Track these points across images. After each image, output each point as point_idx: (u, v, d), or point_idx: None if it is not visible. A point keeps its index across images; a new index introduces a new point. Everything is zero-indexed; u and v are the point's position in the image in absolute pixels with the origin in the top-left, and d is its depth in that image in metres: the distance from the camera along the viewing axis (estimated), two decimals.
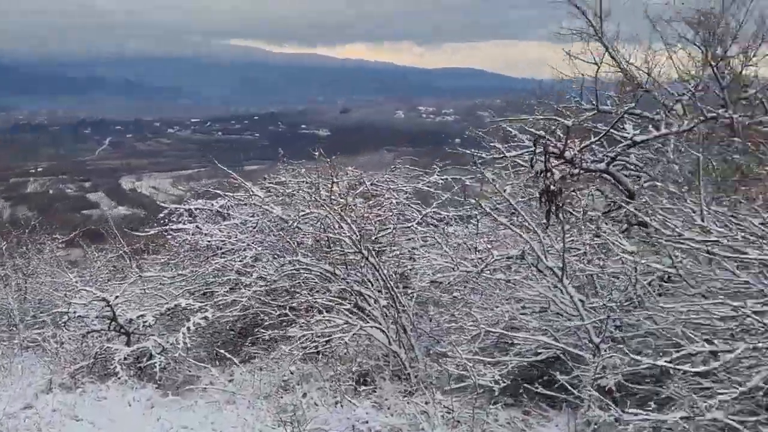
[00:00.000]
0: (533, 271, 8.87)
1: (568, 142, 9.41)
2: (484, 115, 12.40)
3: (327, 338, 9.72)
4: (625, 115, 10.40)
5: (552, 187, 8.05)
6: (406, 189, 13.17)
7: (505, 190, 9.14)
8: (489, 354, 9.02)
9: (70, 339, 12.01)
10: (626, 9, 12.27)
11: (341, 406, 9.25)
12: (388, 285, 9.89)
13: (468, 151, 10.77)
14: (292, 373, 9.91)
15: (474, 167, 9.43)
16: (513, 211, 9.24)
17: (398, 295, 9.90)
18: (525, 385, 8.37)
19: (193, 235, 13.01)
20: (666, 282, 8.33)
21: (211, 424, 9.37)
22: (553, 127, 10.67)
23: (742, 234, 7.14)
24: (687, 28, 11.87)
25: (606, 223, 9.24)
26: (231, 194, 13.40)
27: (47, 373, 11.22)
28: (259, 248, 12.04)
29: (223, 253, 12.75)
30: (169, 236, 13.69)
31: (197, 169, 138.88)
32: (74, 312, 11.41)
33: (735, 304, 6.42)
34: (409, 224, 11.94)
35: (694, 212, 7.59)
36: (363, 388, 9.72)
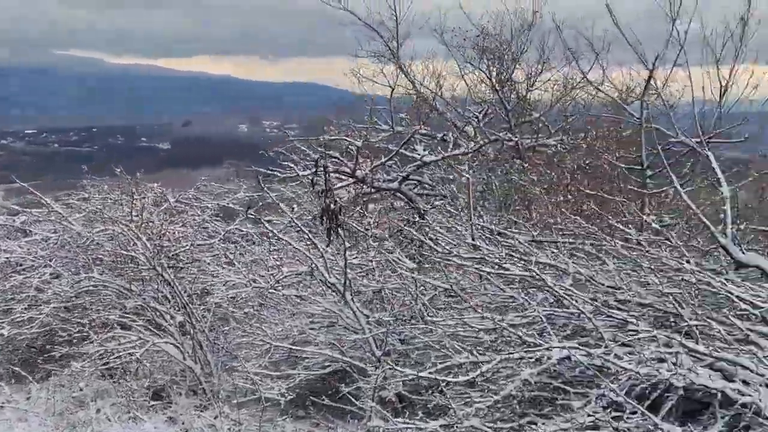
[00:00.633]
0: (322, 287, 9.00)
1: (360, 161, 9.58)
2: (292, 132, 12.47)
3: (119, 354, 9.57)
4: (418, 136, 10.72)
5: (332, 206, 8.17)
6: (210, 206, 13.03)
7: (293, 209, 9.23)
8: (279, 368, 9.07)
9: None
10: (423, 32, 12.69)
11: (134, 421, 9.13)
12: (183, 301, 9.74)
13: (261, 169, 10.79)
14: (81, 390, 9.67)
15: (264, 184, 9.44)
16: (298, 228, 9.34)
17: (193, 311, 9.76)
18: (311, 397, 8.44)
19: None
20: (450, 297, 8.66)
21: None
22: (348, 147, 10.88)
23: (507, 251, 7.47)
24: (474, 53, 12.36)
25: (395, 240, 9.51)
26: (29, 210, 12.86)
27: None
28: (58, 265, 11.61)
29: (23, 269, 12.27)
30: None
31: (31, 182, 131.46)
32: None
33: (493, 317, 6.71)
34: (211, 241, 11.82)
35: (465, 231, 7.90)
36: (156, 403, 9.60)
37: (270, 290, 8.92)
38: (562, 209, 8.12)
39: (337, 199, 8.30)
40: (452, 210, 8.82)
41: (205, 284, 10.93)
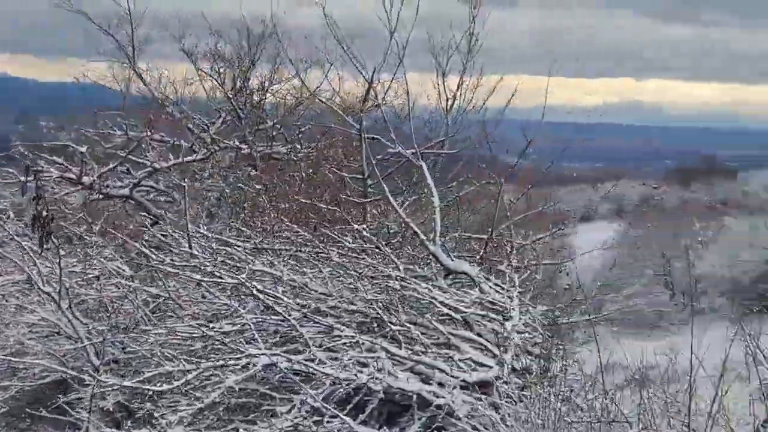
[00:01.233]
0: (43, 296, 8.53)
1: (87, 167, 9.10)
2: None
3: None
4: (155, 143, 10.35)
5: (44, 213, 7.68)
6: None
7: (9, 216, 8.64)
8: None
9: None
10: (163, 37, 12.30)
11: None
12: None
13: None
14: None
15: None
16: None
17: None
18: (27, 409, 7.93)
19: None
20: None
21: None
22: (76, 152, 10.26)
23: (223, 259, 7.33)
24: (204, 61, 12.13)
25: (119, 247, 9.10)
26: None
27: None
28: None
29: None
30: None
31: None
32: None
33: (200, 325, 6.54)
34: None
35: (182, 238, 7.67)
36: None
37: None
38: (282, 217, 8.12)
39: (49, 206, 7.81)
40: (172, 217, 8.56)
41: None
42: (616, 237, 45.58)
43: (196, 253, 7.30)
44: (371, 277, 7.08)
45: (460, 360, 6.46)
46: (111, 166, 9.65)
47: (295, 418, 5.77)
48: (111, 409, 7.76)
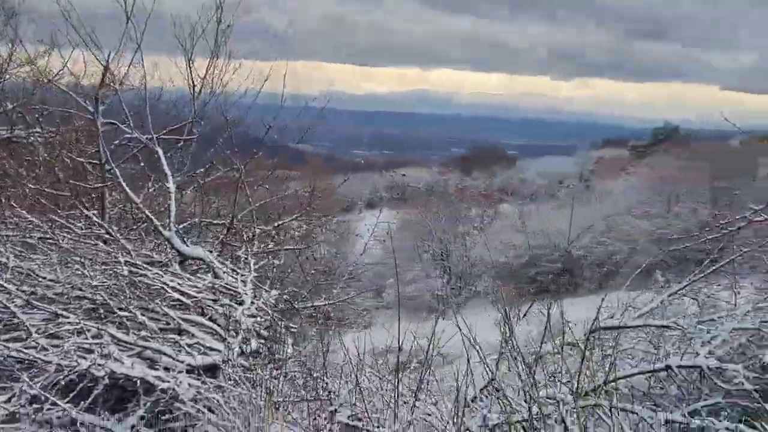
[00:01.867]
0: None
1: None
2: None
3: None
4: None
5: None
6: None
7: None
8: None
9: None
10: None
11: None
12: None
13: None
14: None
15: None
16: None
17: None
18: None
19: None
20: None
21: None
22: None
23: None
24: None
25: None
26: None
27: None
28: None
29: None
30: None
31: None
32: None
33: None
34: None
35: None
36: None
37: None
38: (12, 203, 7.92)
39: None
40: None
41: None
42: (398, 223, 47.47)
43: None
44: (103, 263, 7.11)
45: (188, 345, 6.66)
46: None
47: (13, 406, 5.73)
48: None
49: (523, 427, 5.25)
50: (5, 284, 6.62)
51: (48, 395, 5.71)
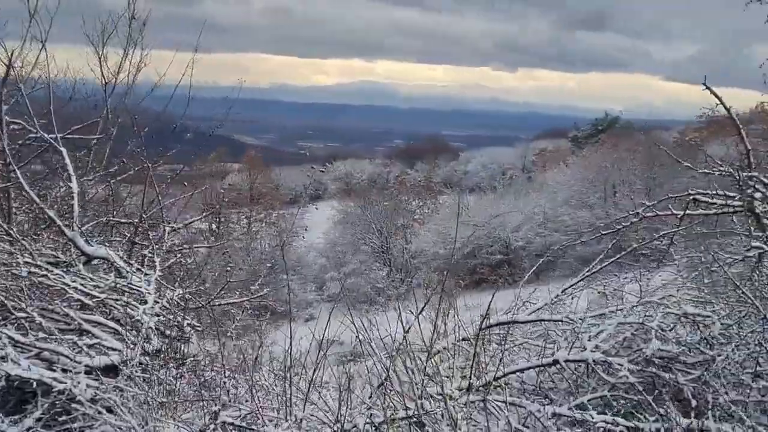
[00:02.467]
0: None
1: None
2: None
3: None
4: None
5: None
6: None
7: None
8: None
9: None
10: None
11: None
12: None
13: None
14: None
15: None
16: None
17: None
18: None
19: None
20: None
21: None
22: None
23: None
24: None
25: None
26: None
27: None
28: None
29: None
30: None
31: None
32: None
33: None
34: None
35: None
36: None
37: None
38: None
39: None
40: None
41: None
42: (339, 216, 47.52)
43: None
44: (3, 264, 7.03)
45: (89, 345, 6.63)
46: None
47: None
48: None
49: (412, 424, 5.36)
50: None
51: None
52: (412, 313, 6.29)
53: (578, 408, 5.60)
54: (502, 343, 6.13)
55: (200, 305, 7.81)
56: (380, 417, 5.26)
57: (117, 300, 7.03)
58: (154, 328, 6.89)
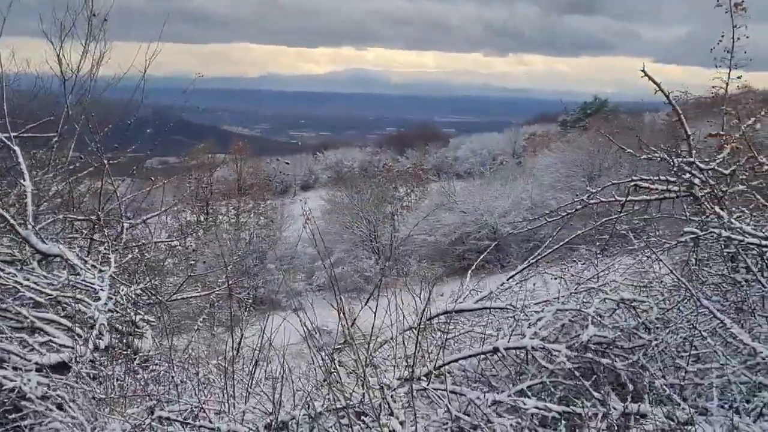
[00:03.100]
0: None
1: None
2: None
3: None
4: None
5: None
6: None
7: None
8: None
9: None
10: None
11: None
12: None
13: None
14: None
15: None
16: None
17: None
18: None
19: None
20: None
21: None
22: None
23: None
24: None
25: None
26: None
27: None
28: None
29: None
30: None
31: None
32: None
33: None
34: None
35: None
36: None
37: None
38: None
39: None
40: None
41: None
42: (327, 205, 47.53)
43: None
44: None
45: (41, 343, 6.68)
46: None
47: None
48: None
49: (351, 414, 5.41)
50: None
51: None
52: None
53: (518, 394, 5.66)
54: (445, 332, 6.19)
55: (158, 300, 7.84)
56: (318, 408, 5.32)
57: (69, 297, 7.06)
58: (106, 324, 6.93)
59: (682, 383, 5.42)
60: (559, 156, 47.02)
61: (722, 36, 7.32)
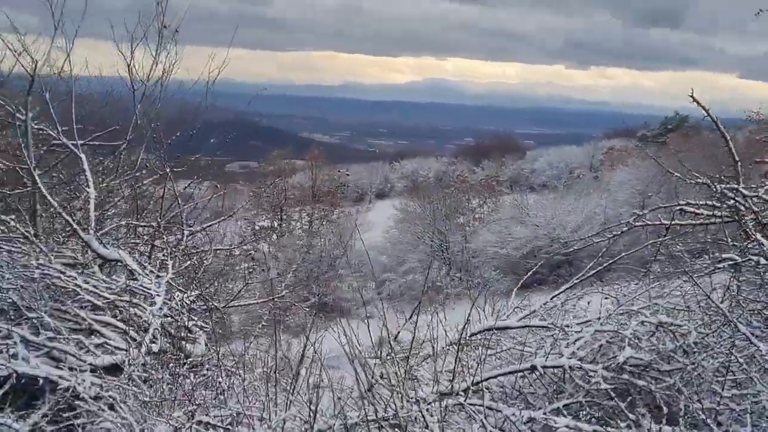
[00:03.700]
0: None
1: None
2: None
3: None
4: None
5: None
6: None
7: None
8: None
9: None
10: None
11: None
12: None
13: None
14: None
15: None
16: None
17: None
18: None
19: None
20: None
21: None
22: None
23: None
24: None
25: None
26: None
27: None
28: None
29: None
30: None
31: None
32: None
33: None
34: None
35: None
36: None
37: None
38: None
39: None
40: None
41: None
42: (401, 214, 47.62)
43: None
44: (23, 266, 7.40)
45: (96, 345, 6.95)
46: None
47: None
48: None
49: (388, 426, 5.49)
50: None
51: None
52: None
53: (554, 413, 5.65)
54: (486, 347, 6.21)
55: (213, 307, 8.05)
56: (355, 418, 5.41)
57: (126, 301, 7.32)
58: (160, 328, 7.17)
59: (717, 408, 5.33)
60: (635, 172, 46.09)
61: None
